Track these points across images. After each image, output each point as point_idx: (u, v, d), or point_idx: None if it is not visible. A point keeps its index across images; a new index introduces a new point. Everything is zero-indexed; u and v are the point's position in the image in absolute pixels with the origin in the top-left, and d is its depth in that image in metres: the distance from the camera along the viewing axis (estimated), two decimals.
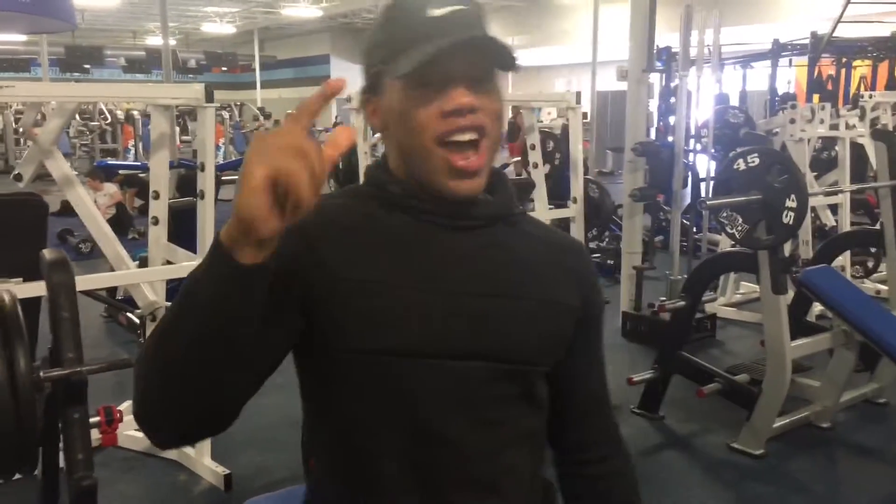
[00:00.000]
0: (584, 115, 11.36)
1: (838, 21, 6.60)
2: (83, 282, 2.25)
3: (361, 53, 0.97)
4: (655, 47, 4.86)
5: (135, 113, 14.50)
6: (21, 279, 2.30)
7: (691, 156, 5.14)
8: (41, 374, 1.47)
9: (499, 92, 0.93)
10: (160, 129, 3.05)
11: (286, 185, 0.66)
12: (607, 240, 6.42)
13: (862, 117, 5.14)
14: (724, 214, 3.05)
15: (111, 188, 7.97)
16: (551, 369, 1.00)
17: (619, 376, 3.36)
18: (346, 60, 22.31)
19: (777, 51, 7.08)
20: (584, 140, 6.92)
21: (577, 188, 3.88)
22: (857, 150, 5.28)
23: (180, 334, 0.77)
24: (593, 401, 1.08)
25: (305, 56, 25.54)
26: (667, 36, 5.62)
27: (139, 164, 10.40)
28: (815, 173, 5.36)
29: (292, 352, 0.94)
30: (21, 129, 13.56)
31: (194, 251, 2.89)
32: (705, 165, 5.69)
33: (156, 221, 3.02)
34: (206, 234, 2.73)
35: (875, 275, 5.45)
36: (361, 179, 1.07)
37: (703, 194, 5.05)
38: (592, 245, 6.10)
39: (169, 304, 1.69)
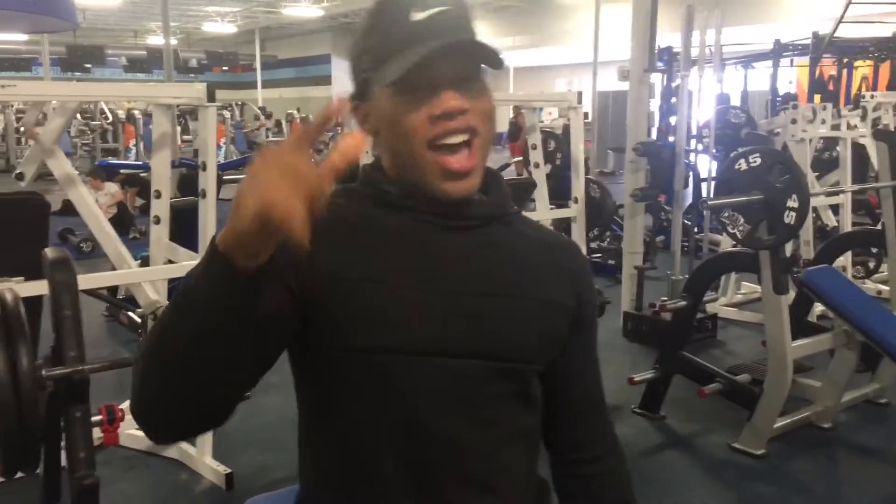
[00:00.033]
0: (586, 115, 11.33)
1: (840, 21, 6.60)
2: (85, 281, 2.25)
3: (349, 60, 0.97)
4: (657, 47, 4.85)
5: (136, 112, 14.48)
6: (23, 278, 2.30)
7: (693, 156, 5.15)
8: (43, 372, 1.48)
9: (488, 91, 0.93)
10: (161, 129, 3.06)
11: (277, 220, 0.66)
12: (608, 240, 6.42)
13: (863, 118, 5.14)
14: (726, 214, 3.05)
15: (112, 187, 7.96)
16: (545, 368, 1.00)
17: (620, 376, 3.36)
18: (346, 60, 22.11)
19: (778, 51, 7.09)
20: (586, 140, 6.91)
21: (578, 188, 3.87)
22: (859, 151, 5.28)
23: (179, 333, 0.77)
24: (587, 400, 1.08)
25: (306, 56, 25.57)
26: (668, 36, 5.63)
27: (140, 163, 10.38)
28: (817, 173, 5.36)
29: (287, 351, 0.94)
30: (22, 129, 13.55)
31: (196, 250, 2.90)
32: (706, 165, 5.70)
33: (157, 221, 3.03)
34: (207, 233, 2.73)
35: (876, 275, 5.43)
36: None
37: (704, 194, 5.06)
38: (594, 245, 6.09)
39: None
